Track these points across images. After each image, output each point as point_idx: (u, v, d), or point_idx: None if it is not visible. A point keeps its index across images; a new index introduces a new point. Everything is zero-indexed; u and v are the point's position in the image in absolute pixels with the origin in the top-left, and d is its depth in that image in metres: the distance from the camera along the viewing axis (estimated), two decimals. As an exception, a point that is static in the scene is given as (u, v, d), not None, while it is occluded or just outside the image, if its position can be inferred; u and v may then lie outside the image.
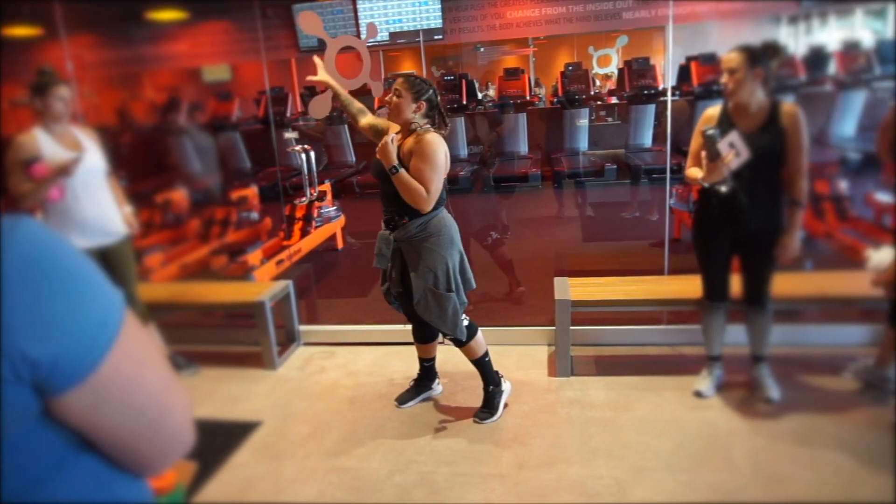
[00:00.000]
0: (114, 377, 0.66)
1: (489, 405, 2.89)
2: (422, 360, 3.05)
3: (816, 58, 5.43)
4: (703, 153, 2.55)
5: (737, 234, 2.65)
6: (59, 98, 2.83)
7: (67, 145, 2.91)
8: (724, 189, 2.55)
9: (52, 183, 2.79)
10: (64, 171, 2.75)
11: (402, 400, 3.03)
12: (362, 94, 3.71)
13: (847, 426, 2.60)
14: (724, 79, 2.53)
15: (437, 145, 2.52)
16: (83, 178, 2.89)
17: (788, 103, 2.53)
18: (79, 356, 0.63)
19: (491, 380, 2.91)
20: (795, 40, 5.41)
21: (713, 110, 2.65)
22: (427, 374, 3.07)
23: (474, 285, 2.78)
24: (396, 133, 2.64)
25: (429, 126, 2.59)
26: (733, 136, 2.47)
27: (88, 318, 0.64)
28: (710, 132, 2.48)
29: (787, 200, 2.58)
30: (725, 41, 2.65)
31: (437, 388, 3.12)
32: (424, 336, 2.96)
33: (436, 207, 2.60)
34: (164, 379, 0.74)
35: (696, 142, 2.65)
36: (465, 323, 2.75)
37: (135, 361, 0.69)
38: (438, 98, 2.61)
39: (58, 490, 0.68)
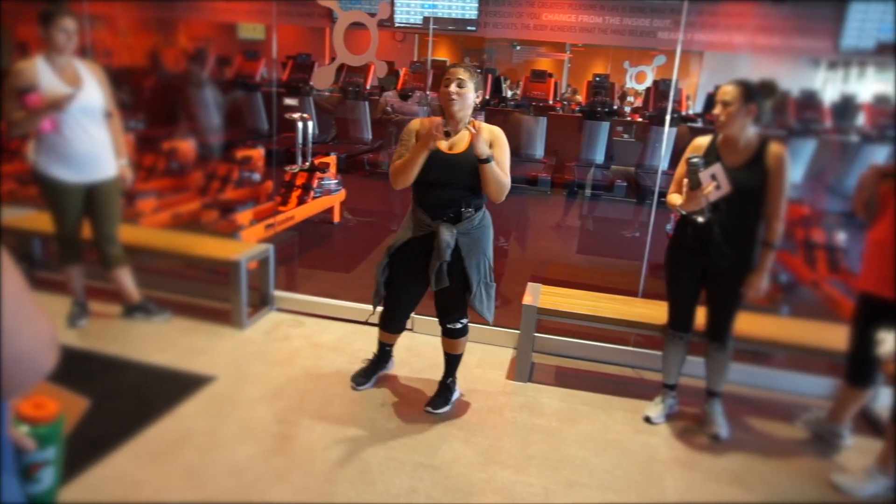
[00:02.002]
0: None
1: (445, 396, 2.91)
2: (383, 345, 3.06)
3: (845, 106, 5.35)
4: (686, 181, 2.53)
5: (707, 266, 2.64)
6: (62, 30, 2.86)
7: (67, 79, 2.95)
8: (700, 219, 2.54)
9: (43, 114, 2.83)
10: (56, 105, 2.79)
11: (359, 382, 3.03)
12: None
13: (785, 474, 2.59)
14: (716, 110, 2.51)
15: (504, 137, 2.57)
16: (77, 114, 2.94)
17: (776, 144, 2.50)
18: None
19: (454, 373, 2.94)
20: (832, 86, 5.34)
21: (702, 140, 2.64)
22: (385, 356, 3.10)
23: None
24: (443, 126, 2.49)
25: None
26: (716, 168, 2.45)
27: None
28: (694, 160, 2.47)
29: (761, 240, 2.56)
30: (759, 75, 2.61)
31: (390, 364, 3.15)
32: (399, 326, 2.97)
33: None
34: (12, 306, 0.76)
35: (680, 169, 2.64)
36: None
37: None
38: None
39: None
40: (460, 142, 2.55)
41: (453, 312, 2.76)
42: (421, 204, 2.61)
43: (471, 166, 2.48)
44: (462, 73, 2.47)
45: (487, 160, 2.44)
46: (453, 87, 2.47)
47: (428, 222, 2.58)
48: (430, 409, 2.87)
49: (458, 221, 2.57)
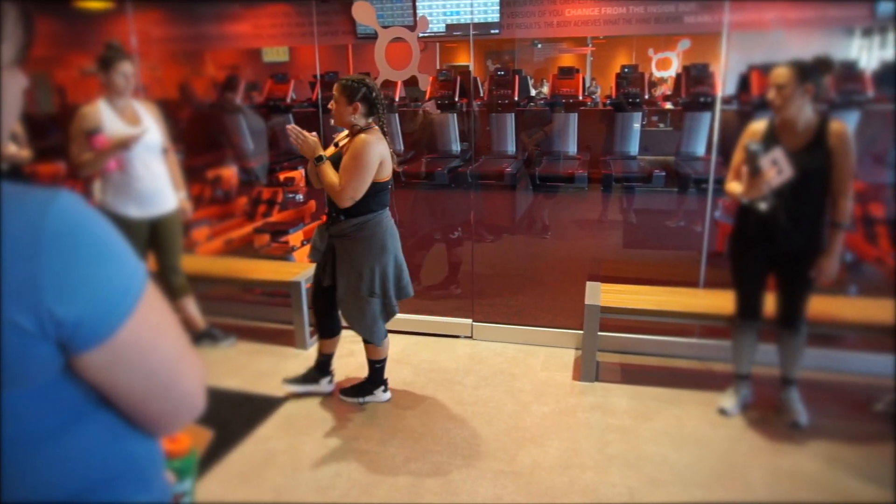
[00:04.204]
0: (131, 341, 0.73)
1: (358, 390, 3.02)
2: (320, 353, 3.06)
3: (887, 74, 5.21)
4: (745, 168, 2.51)
5: (774, 252, 2.60)
6: (122, 74, 2.97)
7: (127, 119, 3.06)
8: (763, 206, 2.50)
9: (110, 154, 2.95)
10: (123, 144, 2.92)
11: (288, 380, 3.06)
12: (410, 84, 3.77)
13: (874, 459, 2.53)
14: (771, 94, 2.48)
15: (369, 145, 2.55)
16: (140, 152, 3.04)
17: (837, 122, 2.46)
18: (100, 319, 0.69)
19: (376, 381, 3.01)
20: (868, 54, 5.20)
21: (759, 124, 2.60)
22: (321, 367, 3.07)
23: (411, 293, 2.84)
24: (344, 136, 2.73)
25: (373, 125, 2.64)
26: (777, 153, 2.42)
27: (112, 286, 0.70)
28: (753, 147, 2.44)
29: (829, 221, 2.51)
30: (793, 51, 2.58)
31: (326, 387, 3.08)
32: (330, 329, 2.98)
33: (374, 210, 2.65)
34: (178, 348, 0.80)
35: (738, 156, 2.61)
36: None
37: (151, 329, 0.75)
38: (375, 95, 2.63)
39: (75, 438, 0.75)
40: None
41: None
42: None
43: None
44: (334, 90, 2.61)
45: (316, 161, 2.59)
46: (331, 103, 2.65)
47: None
48: (344, 396, 3.02)
49: (332, 225, 2.69)
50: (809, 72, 2.44)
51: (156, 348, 0.76)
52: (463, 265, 4.36)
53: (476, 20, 4.50)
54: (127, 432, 0.81)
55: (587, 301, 3.15)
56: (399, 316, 3.79)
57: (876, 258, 3.91)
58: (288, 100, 7.54)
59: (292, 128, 2.57)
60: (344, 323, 2.92)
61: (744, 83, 6.66)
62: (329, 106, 2.67)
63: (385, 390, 3.04)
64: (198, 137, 6.62)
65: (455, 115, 7.08)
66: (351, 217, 2.63)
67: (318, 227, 2.76)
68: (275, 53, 7.84)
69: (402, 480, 2.45)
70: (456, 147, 7.21)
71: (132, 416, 0.80)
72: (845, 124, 2.46)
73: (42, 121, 5.81)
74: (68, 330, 0.67)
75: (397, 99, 7.27)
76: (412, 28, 3.41)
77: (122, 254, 0.73)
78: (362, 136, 2.57)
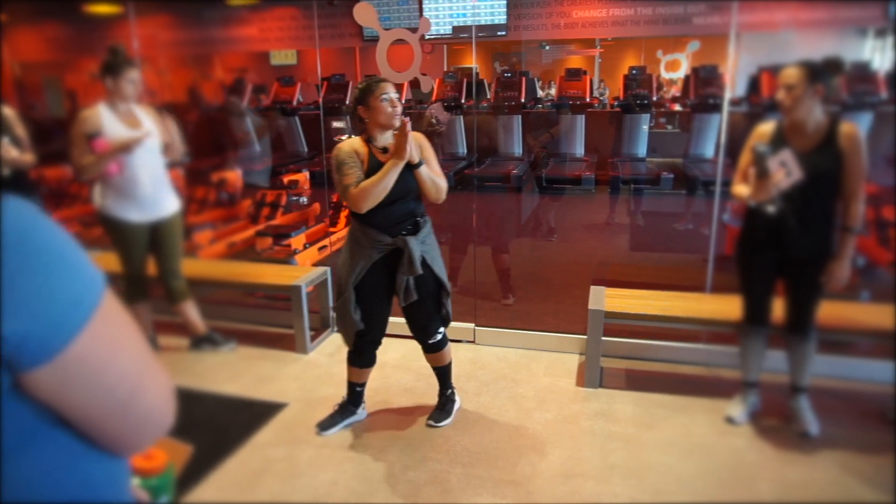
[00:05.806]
0: (84, 357, 0.68)
1: (447, 408, 2.89)
2: (354, 385, 2.84)
3: (902, 75, 5.11)
4: (752, 170, 2.44)
5: (782, 257, 2.53)
6: (130, 80, 2.97)
7: (129, 123, 3.05)
8: (771, 209, 2.44)
9: (111, 158, 2.94)
10: (125, 148, 2.91)
11: (325, 426, 2.80)
12: (415, 86, 3.73)
13: (887, 470, 2.45)
14: (780, 95, 2.41)
15: None
16: (141, 155, 3.03)
17: (848, 123, 2.39)
18: (48, 335, 0.65)
19: (449, 384, 2.92)
20: (881, 55, 5.12)
21: (766, 126, 2.54)
22: (356, 399, 2.87)
23: None
24: (364, 137, 2.53)
25: None
26: (785, 155, 2.35)
27: (60, 300, 0.66)
28: (761, 149, 2.38)
29: (840, 225, 2.45)
30: (804, 53, 2.52)
31: (362, 413, 2.91)
32: (370, 359, 2.79)
33: None
34: (139, 361, 0.75)
35: (745, 158, 2.55)
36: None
37: (108, 343, 0.71)
38: None
39: (30, 461, 0.71)
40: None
41: (430, 325, 2.73)
42: (374, 224, 2.50)
43: (414, 175, 2.49)
44: (391, 87, 2.46)
45: (420, 164, 2.46)
46: (394, 97, 2.43)
47: (388, 241, 2.51)
48: (431, 422, 2.83)
49: (416, 231, 2.54)
50: (820, 72, 2.38)
51: (112, 363, 0.72)
52: (465, 268, 4.31)
53: (482, 22, 4.46)
54: (86, 453, 0.77)
55: (591, 306, 3.09)
56: (400, 320, 3.77)
57: (889, 262, 3.82)
58: (294, 102, 7.54)
59: (406, 122, 2.35)
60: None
61: (753, 85, 6.57)
62: (395, 101, 2.43)
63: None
64: (204, 140, 6.62)
65: (462, 117, 7.04)
66: (424, 214, 2.61)
67: (411, 240, 2.48)
68: (283, 56, 7.84)
69: (401, 488, 2.41)
70: (462, 149, 7.17)
71: (91, 435, 0.75)
72: (857, 126, 2.39)
73: (49, 124, 5.83)
74: (11, 347, 0.63)
75: (403, 101, 7.23)
76: (416, 30, 3.37)
77: (74, 263, 0.69)
78: (415, 131, 2.48)
